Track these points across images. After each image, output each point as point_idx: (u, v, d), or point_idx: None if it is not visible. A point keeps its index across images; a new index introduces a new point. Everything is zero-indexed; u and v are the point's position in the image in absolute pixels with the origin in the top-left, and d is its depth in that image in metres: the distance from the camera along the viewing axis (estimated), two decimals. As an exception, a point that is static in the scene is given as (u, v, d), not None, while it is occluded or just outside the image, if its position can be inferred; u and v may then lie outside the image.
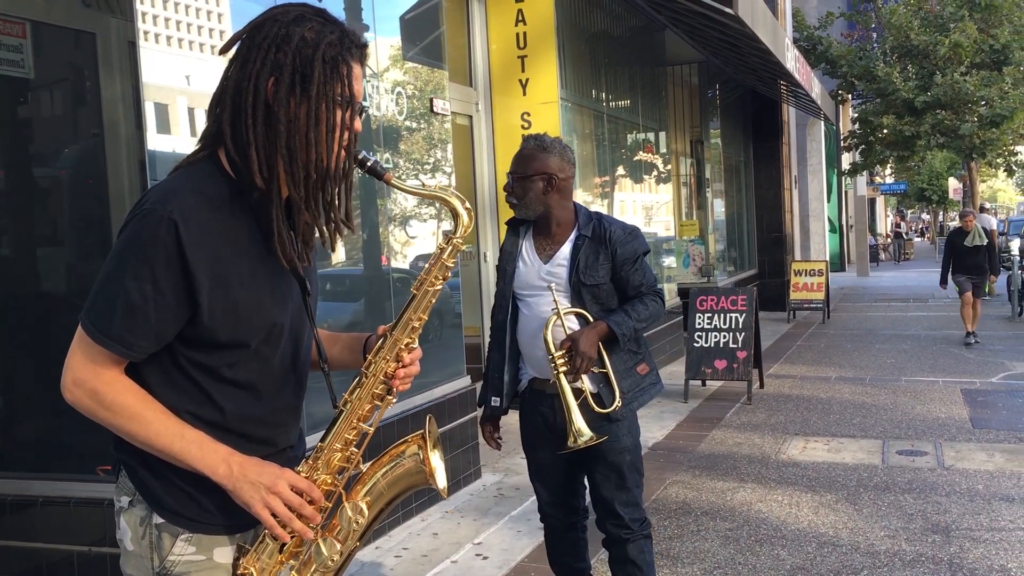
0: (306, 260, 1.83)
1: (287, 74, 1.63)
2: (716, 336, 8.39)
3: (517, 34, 7.02)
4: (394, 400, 1.81)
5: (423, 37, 6.26)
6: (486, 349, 3.46)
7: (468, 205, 1.88)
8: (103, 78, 4.30)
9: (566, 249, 3.22)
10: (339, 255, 5.42)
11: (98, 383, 1.62)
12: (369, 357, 1.81)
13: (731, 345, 8.32)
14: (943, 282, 12.14)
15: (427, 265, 1.84)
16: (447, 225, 6.52)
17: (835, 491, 5.45)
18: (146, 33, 3.94)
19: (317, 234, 1.75)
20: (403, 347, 1.81)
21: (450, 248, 1.84)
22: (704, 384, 8.80)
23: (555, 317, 3.14)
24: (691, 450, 6.55)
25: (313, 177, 1.67)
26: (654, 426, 7.23)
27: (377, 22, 5.64)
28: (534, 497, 3.51)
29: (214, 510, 1.69)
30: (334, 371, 1.94)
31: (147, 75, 3.86)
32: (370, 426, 1.79)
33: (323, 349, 1.90)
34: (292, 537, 1.70)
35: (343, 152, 1.70)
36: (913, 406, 7.72)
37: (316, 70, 1.64)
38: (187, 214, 1.59)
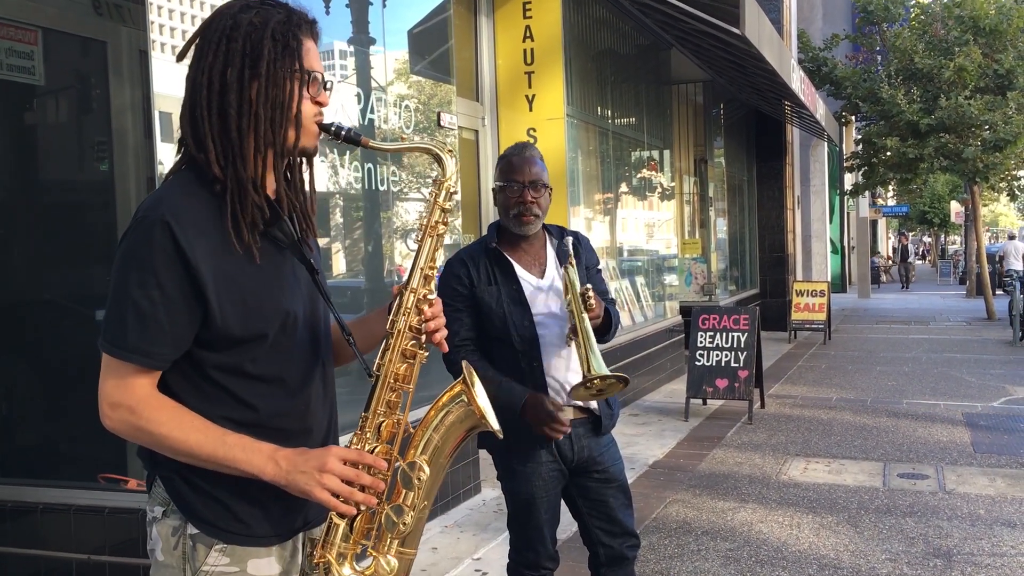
0: (309, 247, 1.83)
1: (238, 59, 1.66)
2: (718, 355, 8.38)
3: (524, 50, 7.05)
4: (426, 353, 1.79)
5: (431, 51, 6.28)
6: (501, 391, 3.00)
7: (451, 149, 1.89)
8: (113, 86, 4.32)
9: (551, 258, 3.11)
10: (341, 267, 5.43)
11: (132, 402, 1.62)
12: (391, 317, 1.79)
13: (732, 364, 8.31)
14: None
15: (426, 213, 1.84)
16: (448, 239, 6.53)
17: (836, 513, 5.43)
18: (154, 42, 3.95)
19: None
20: (422, 298, 1.79)
21: (442, 192, 1.85)
22: (705, 403, 8.78)
23: (569, 268, 2.95)
24: (691, 469, 6.53)
25: (264, 151, 1.69)
26: (654, 444, 7.22)
27: (386, 36, 5.66)
28: None
29: (249, 521, 1.69)
30: (368, 351, 1.91)
31: (158, 84, 3.87)
32: (410, 385, 1.77)
33: (343, 323, 1.88)
34: (359, 512, 1.69)
35: (296, 122, 1.70)
36: (914, 429, 7.70)
37: (265, 48, 1.67)
38: (179, 214, 1.61)
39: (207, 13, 4.38)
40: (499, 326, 3.02)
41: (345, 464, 1.65)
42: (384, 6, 5.66)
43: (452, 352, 3.00)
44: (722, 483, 6.15)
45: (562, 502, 3.20)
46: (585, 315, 2.85)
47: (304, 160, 1.81)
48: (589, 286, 2.90)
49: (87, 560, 3.85)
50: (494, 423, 1.80)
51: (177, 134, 4.09)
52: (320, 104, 1.75)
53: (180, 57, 1.75)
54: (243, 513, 1.68)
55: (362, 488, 1.66)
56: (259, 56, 1.66)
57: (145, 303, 1.59)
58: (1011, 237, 22.22)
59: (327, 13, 5.22)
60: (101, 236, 4.47)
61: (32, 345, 4.49)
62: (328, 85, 1.76)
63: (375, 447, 1.73)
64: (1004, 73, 16.11)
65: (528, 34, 7.03)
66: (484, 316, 3.04)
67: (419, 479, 1.74)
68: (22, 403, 4.52)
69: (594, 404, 3.09)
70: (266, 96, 1.67)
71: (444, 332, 1.83)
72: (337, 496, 1.63)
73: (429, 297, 1.80)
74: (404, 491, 1.73)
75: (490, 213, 7.28)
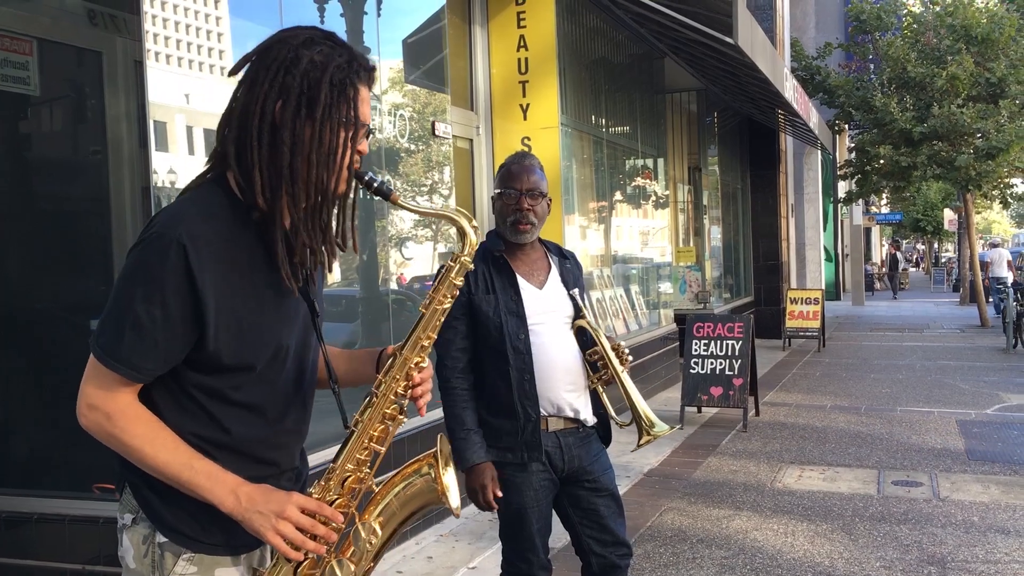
0: (313, 281, 1.84)
1: (294, 96, 1.65)
2: (712, 363, 8.39)
3: (519, 59, 7.07)
4: (404, 419, 1.81)
5: (426, 61, 6.30)
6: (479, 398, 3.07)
7: (475, 223, 1.90)
8: (108, 96, 4.32)
9: (555, 273, 3.13)
10: (336, 275, 5.43)
11: (111, 409, 1.63)
12: (379, 377, 1.81)
13: (727, 372, 8.32)
14: None
15: (435, 284, 1.86)
16: (443, 247, 6.54)
17: (831, 521, 5.44)
18: (148, 51, 3.97)
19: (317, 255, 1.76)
20: (413, 366, 1.81)
21: (457, 267, 1.86)
22: (700, 411, 8.79)
23: (588, 323, 3.05)
24: (686, 477, 6.54)
25: (313, 198, 1.69)
26: (649, 452, 7.22)
27: (381, 45, 5.68)
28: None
29: (217, 530, 1.70)
30: (348, 387, 1.93)
31: (153, 94, 3.88)
32: (382, 446, 1.79)
33: (332, 369, 1.90)
34: (306, 558, 1.70)
35: (345, 172, 1.71)
36: (908, 436, 7.72)
37: (323, 92, 1.65)
38: (196, 237, 1.60)
39: (202, 23, 4.41)
40: (495, 336, 3.02)
41: (303, 513, 1.67)
42: (379, 16, 5.68)
43: (445, 369, 3.05)
44: (717, 491, 6.16)
45: (554, 512, 3.20)
46: (623, 371, 2.99)
47: (338, 201, 1.78)
48: (622, 343, 3.06)
49: (82, 570, 3.85)
50: (454, 502, 1.84)
51: (172, 144, 4.12)
52: (360, 152, 1.74)
53: (232, 73, 1.73)
54: (211, 523, 1.69)
55: (314, 537, 1.67)
56: (316, 99, 1.65)
57: (146, 319, 1.60)
58: (994, 245, 22.45)
59: (322, 22, 5.24)
60: (96, 246, 4.47)
61: (26, 355, 4.48)
62: (369, 134, 1.77)
63: (336, 499, 1.75)
64: (996, 81, 16.17)
65: (522, 43, 7.06)
66: (480, 324, 3.04)
67: (370, 542, 1.77)
68: (16, 413, 4.51)
69: (584, 415, 3.11)
70: (319, 141, 1.66)
71: (428, 398, 1.85)
72: (288, 542, 1.65)
73: (422, 365, 1.82)
74: (353, 547, 1.76)
75: (484, 222, 7.29)
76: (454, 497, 1.84)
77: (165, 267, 1.59)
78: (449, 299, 1.84)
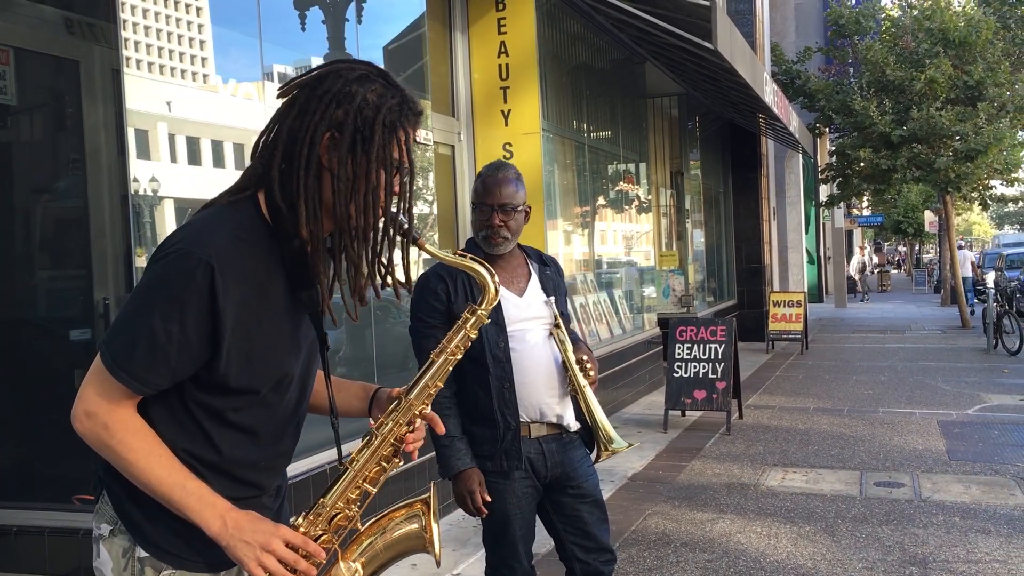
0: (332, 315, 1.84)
1: (347, 133, 1.63)
2: (696, 366, 8.41)
3: (499, 65, 7.08)
4: (400, 463, 1.81)
5: (406, 67, 6.30)
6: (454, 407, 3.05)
7: (496, 279, 1.92)
8: (86, 104, 4.31)
9: (535, 280, 3.13)
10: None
11: (109, 419, 1.61)
12: (381, 418, 1.81)
13: (710, 375, 8.35)
14: None
15: (450, 333, 1.88)
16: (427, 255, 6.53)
17: (813, 522, 5.47)
18: (128, 60, 3.95)
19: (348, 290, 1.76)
20: (416, 412, 1.81)
21: (474, 319, 1.88)
22: (683, 414, 8.81)
23: (560, 332, 3.06)
24: (670, 480, 6.55)
25: (364, 235, 1.69)
26: (633, 456, 7.23)
27: (360, 52, 5.68)
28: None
29: (199, 547, 1.69)
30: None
31: (131, 102, 3.87)
32: (374, 487, 1.79)
33: (335, 403, 1.90)
34: None
35: (380, 212, 1.70)
36: (890, 437, 7.76)
37: (376, 133, 1.64)
38: (224, 260, 1.58)
39: (183, 31, 4.40)
40: (474, 344, 3.00)
41: (287, 547, 1.66)
42: (359, 23, 5.68)
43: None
44: (701, 494, 6.17)
45: (538, 518, 3.20)
46: (586, 386, 3.00)
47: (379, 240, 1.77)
48: (585, 357, 3.05)
49: (62, 582, 3.82)
50: (438, 550, 1.84)
51: (154, 152, 4.10)
52: (396, 194, 1.74)
53: (281, 95, 1.71)
54: (193, 539, 1.67)
55: (294, 571, 1.67)
56: (369, 139, 1.64)
57: (162, 335, 1.58)
58: (960, 247, 22.87)
59: (303, 30, 5.24)
60: (75, 254, 4.45)
61: (4, 365, 4.45)
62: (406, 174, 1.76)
63: (321, 535, 1.75)
64: (974, 84, 16.30)
65: (503, 49, 7.07)
66: None
67: None
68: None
69: (566, 420, 3.12)
70: (367, 180, 1.66)
71: (420, 444, 1.86)
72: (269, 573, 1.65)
73: (425, 412, 1.83)
74: None
75: (466, 228, 7.29)
76: (438, 547, 1.85)
77: (189, 285, 1.57)
78: (462, 350, 1.86)
